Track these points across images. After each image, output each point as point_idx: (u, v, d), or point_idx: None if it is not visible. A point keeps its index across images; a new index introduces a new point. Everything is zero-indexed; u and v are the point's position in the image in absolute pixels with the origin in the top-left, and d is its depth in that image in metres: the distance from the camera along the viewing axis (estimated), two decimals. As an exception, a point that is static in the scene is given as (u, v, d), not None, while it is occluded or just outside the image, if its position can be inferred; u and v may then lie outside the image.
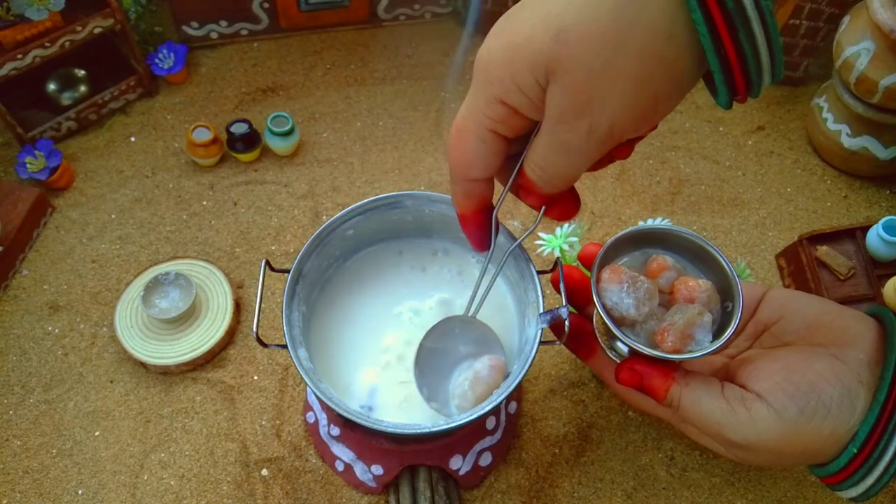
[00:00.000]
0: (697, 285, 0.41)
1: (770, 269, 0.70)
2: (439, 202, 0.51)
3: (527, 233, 0.42)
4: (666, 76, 0.29)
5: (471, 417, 0.43)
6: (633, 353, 0.41)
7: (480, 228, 0.41)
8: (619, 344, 0.44)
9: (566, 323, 0.43)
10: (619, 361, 0.43)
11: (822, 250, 0.65)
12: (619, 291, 0.40)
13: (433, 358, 0.47)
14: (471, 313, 0.47)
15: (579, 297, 0.48)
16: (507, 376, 0.46)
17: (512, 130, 0.33)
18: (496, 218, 0.41)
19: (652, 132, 0.36)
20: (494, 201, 0.41)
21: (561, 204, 0.39)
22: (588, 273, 0.42)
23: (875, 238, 0.63)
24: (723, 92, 0.30)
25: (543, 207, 0.38)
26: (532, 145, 0.34)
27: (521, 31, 0.30)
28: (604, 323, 0.40)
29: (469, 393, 0.45)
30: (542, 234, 0.62)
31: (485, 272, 0.45)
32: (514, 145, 0.36)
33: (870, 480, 0.37)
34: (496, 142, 0.34)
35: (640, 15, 0.27)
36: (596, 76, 0.29)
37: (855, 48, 0.67)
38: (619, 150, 0.36)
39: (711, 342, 0.39)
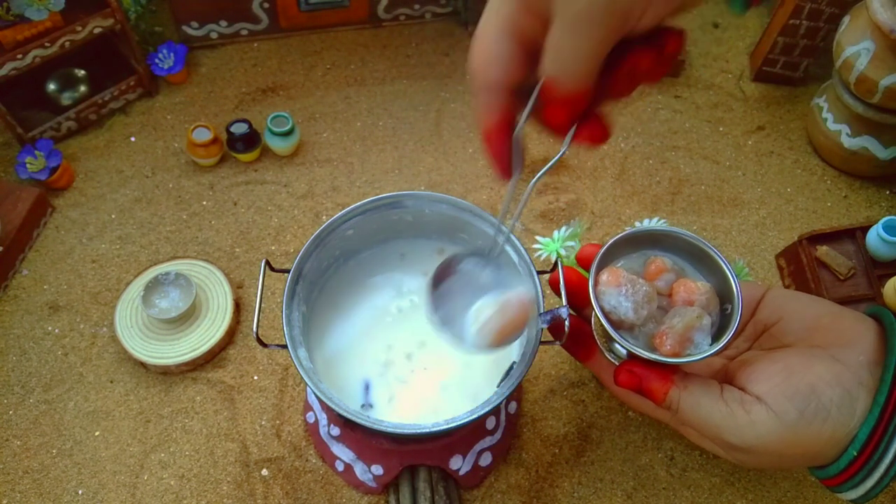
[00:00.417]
0: (696, 288, 0.41)
1: (770, 269, 0.70)
2: (439, 202, 0.51)
3: (556, 157, 0.39)
4: None
5: (471, 417, 0.43)
6: (632, 355, 0.41)
7: (504, 147, 0.38)
8: (618, 346, 0.44)
9: (566, 323, 0.43)
10: (617, 363, 0.43)
11: (822, 250, 0.65)
12: (617, 294, 0.40)
13: (458, 281, 0.44)
14: (497, 253, 0.44)
15: (578, 298, 0.48)
16: (529, 323, 0.43)
17: (528, 30, 0.32)
18: (518, 139, 0.39)
19: (659, 78, 0.34)
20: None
21: (589, 126, 0.36)
22: (586, 274, 0.42)
23: (875, 238, 0.63)
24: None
25: (572, 130, 0.36)
26: (547, 41, 0.32)
27: None
28: (602, 325, 0.40)
29: (493, 322, 0.41)
30: (539, 238, 0.62)
31: (505, 212, 0.42)
32: (532, 68, 0.35)
33: (870, 483, 0.37)
34: (512, 43, 0.33)
35: None
36: None
37: (855, 48, 0.67)
38: (619, 83, 0.34)
39: (710, 345, 0.39)
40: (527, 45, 0.33)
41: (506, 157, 0.38)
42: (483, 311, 0.41)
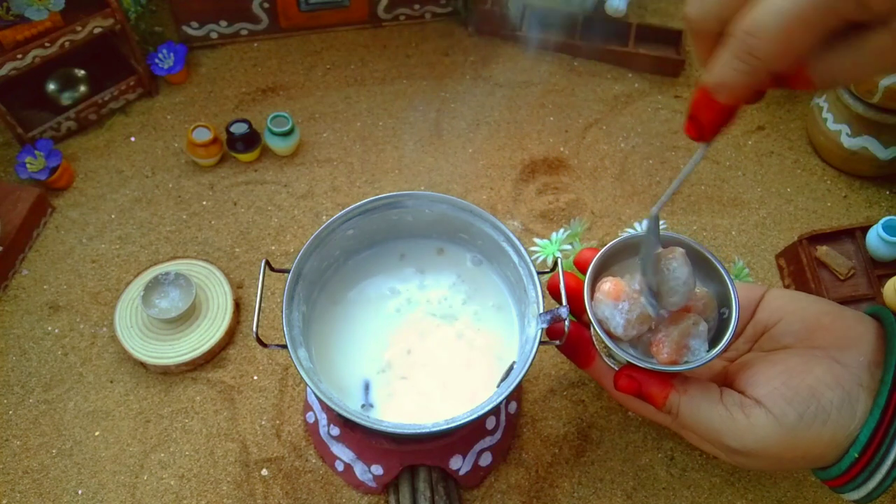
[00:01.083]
0: (695, 294, 0.41)
1: (770, 269, 0.70)
2: (439, 202, 0.51)
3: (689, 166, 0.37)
4: None
5: (471, 417, 0.43)
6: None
7: (724, 119, 0.34)
8: (617, 351, 0.44)
9: (566, 323, 0.43)
10: (616, 368, 0.43)
11: (822, 250, 0.65)
12: (612, 308, 0.39)
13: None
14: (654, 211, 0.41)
15: (575, 303, 0.48)
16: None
17: (846, 15, 0.27)
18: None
19: None
20: None
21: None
22: (583, 278, 0.42)
23: (875, 238, 0.63)
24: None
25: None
26: (841, 51, 0.28)
27: None
28: (599, 332, 0.40)
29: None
30: (537, 241, 0.62)
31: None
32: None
33: (872, 483, 0.37)
34: (825, 27, 0.27)
35: None
36: None
37: (855, 48, 0.67)
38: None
39: (707, 351, 0.39)
40: (830, 22, 0.27)
41: (720, 124, 0.34)
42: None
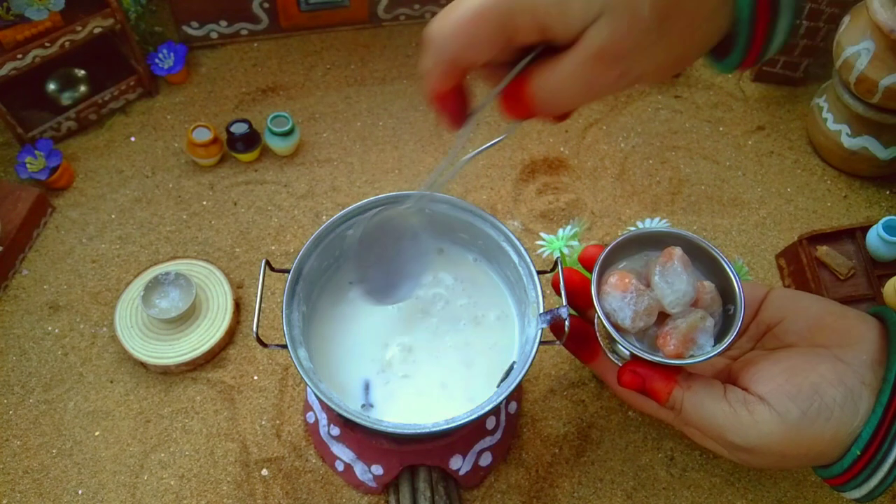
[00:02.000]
0: (703, 286, 0.41)
1: (770, 269, 0.70)
2: (439, 202, 0.51)
3: (501, 138, 0.40)
4: (695, 45, 0.30)
5: (471, 417, 0.43)
6: (635, 356, 0.41)
7: (455, 105, 0.38)
8: (621, 347, 0.44)
9: (566, 323, 0.43)
10: (620, 364, 0.43)
11: (822, 250, 0.65)
12: (620, 300, 0.40)
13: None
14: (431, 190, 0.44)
15: (580, 299, 0.48)
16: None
17: (518, 43, 0.32)
18: (475, 114, 0.39)
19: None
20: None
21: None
22: (588, 275, 0.42)
23: (875, 238, 0.63)
24: (734, 59, 0.31)
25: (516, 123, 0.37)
26: (548, 68, 0.32)
27: None
28: (605, 326, 0.40)
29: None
30: (543, 235, 0.62)
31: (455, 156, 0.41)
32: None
33: (874, 482, 0.37)
34: (501, 43, 0.32)
35: None
36: (646, 28, 0.29)
37: (855, 48, 0.67)
38: None
39: (713, 346, 0.39)
40: (506, 42, 0.32)
41: (457, 111, 0.38)
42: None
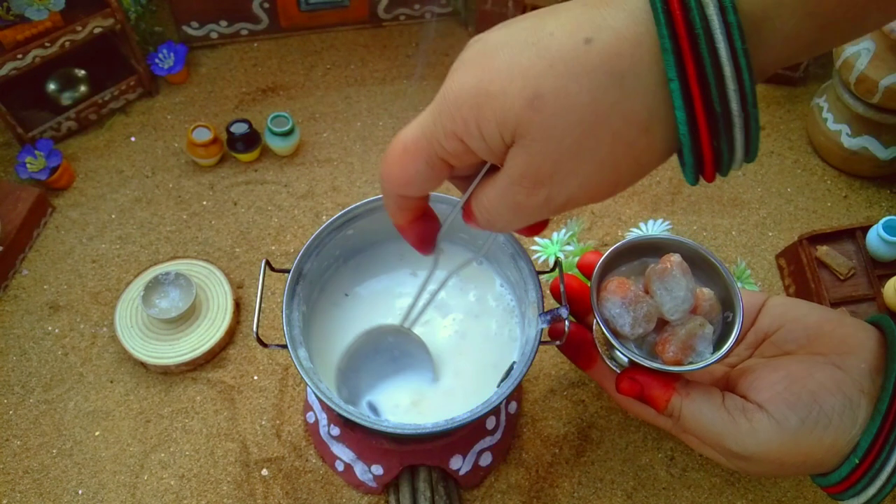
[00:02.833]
0: (702, 293, 0.41)
1: (770, 270, 0.70)
2: (439, 202, 0.51)
3: (482, 252, 0.42)
4: (633, 164, 0.29)
5: (471, 417, 0.43)
6: (633, 363, 0.41)
7: (420, 236, 0.39)
8: (619, 353, 0.44)
9: (566, 322, 0.43)
10: (618, 371, 0.43)
11: (822, 250, 0.65)
12: (619, 306, 0.39)
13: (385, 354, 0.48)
14: (408, 324, 0.47)
15: (578, 306, 0.48)
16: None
17: (463, 164, 0.32)
18: (442, 234, 0.41)
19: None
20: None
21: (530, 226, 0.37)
22: (587, 281, 0.42)
23: (875, 238, 0.63)
24: (690, 173, 0.29)
25: (491, 238, 0.39)
26: (484, 186, 0.33)
27: (496, 79, 0.28)
28: (603, 333, 0.40)
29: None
30: (538, 240, 0.62)
31: (427, 281, 0.45)
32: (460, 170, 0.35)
33: (872, 490, 0.37)
34: (442, 169, 0.33)
35: (620, 102, 0.27)
36: (564, 152, 0.28)
37: (855, 48, 0.67)
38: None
39: (712, 354, 0.39)
40: (449, 165, 0.32)
41: (423, 239, 0.40)
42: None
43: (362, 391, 0.49)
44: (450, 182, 0.37)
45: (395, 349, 0.50)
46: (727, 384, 0.43)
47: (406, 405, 0.50)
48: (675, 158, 0.30)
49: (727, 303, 0.41)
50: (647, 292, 0.41)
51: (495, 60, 0.28)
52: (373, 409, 0.50)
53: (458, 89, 0.29)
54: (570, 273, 0.50)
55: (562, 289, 0.45)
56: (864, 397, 0.37)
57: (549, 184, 0.29)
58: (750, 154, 0.28)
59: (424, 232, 0.39)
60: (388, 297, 0.54)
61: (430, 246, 0.40)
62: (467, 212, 0.35)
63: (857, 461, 0.37)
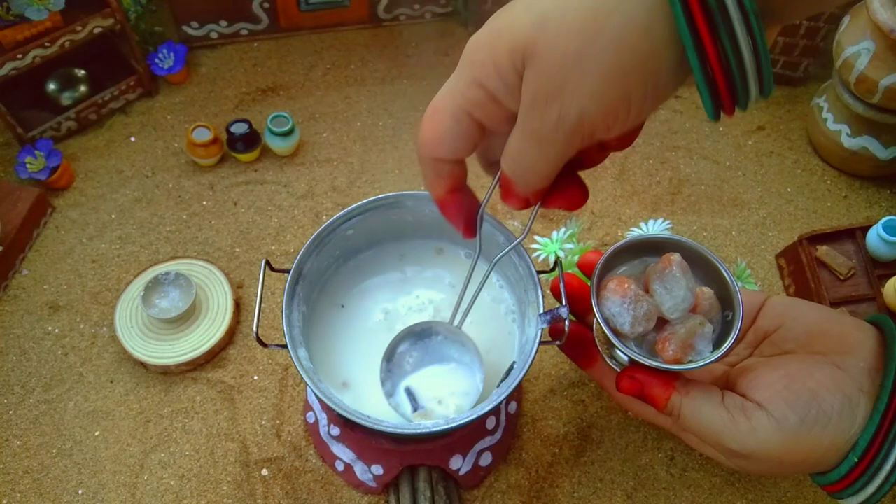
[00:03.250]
0: (702, 292, 0.41)
1: (770, 269, 0.70)
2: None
3: (525, 231, 0.41)
4: (641, 72, 0.29)
5: (471, 417, 0.43)
6: (634, 361, 0.41)
7: (461, 211, 0.39)
8: (619, 352, 0.44)
9: (566, 322, 0.43)
10: (618, 370, 0.43)
11: (822, 250, 0.65)
12: (619, 305, 0.40)
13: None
14: (456, 323, 0.47)
15: (578, 305, 0.48)
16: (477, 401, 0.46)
17: (488, 117, 0.33)
18: (482, 214, 0.40)
19: (628, 146, 0.36)
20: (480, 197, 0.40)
21: (566, 193, 0.37)
22: (587, 280, 0.42)
23: (875, 238, 0.63)
24: (706, 97, 0.29)
25: (535, 210, 0.38)
26: (508, 140, 0.33)
27: (507, 17, 0.30)
28: (603, 332, 0.40)
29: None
30: (538, 238, 0.62)
31: (471, 275, 0.44)
32: (491, 142, 0.36)
33: (871, 489, 0.37)
34: (470, 125, 0.33)
35: (619, 6, 0.27)
36: (570, 62, 0.28)
37: (855, 48, 0.67)
38: (590, 154, 0.35)
39: (712, 352, 0.39)
40: (483, 126, 0.33)
41: (465, 217, 0.40)
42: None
43: (405, 374, 0.49)
44: (483, 170, 0.39)
45: (445, 347, 0.49)
46: (727, 383, 0.43)
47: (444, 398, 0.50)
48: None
49: (727, 302, 0.41)
50: (647, 291, 0.41)
51: (508, 7, 0.31)
52: (411, 395, 0.49)
53: (474, 40, 0.32)
54: (570, 272, 0.50)
55: (562, 288, 0.45)
56: (864, 396, 0.37)
57: (559, 98, 0.29)
58: (762, 65, 0.28)
59: (464, 207, 0.39)
60: (387, 298, 0.54)
61: (471, 227, 0.40)
62: (503, 185, 0.36)
63: (856, 460, 0.37)
